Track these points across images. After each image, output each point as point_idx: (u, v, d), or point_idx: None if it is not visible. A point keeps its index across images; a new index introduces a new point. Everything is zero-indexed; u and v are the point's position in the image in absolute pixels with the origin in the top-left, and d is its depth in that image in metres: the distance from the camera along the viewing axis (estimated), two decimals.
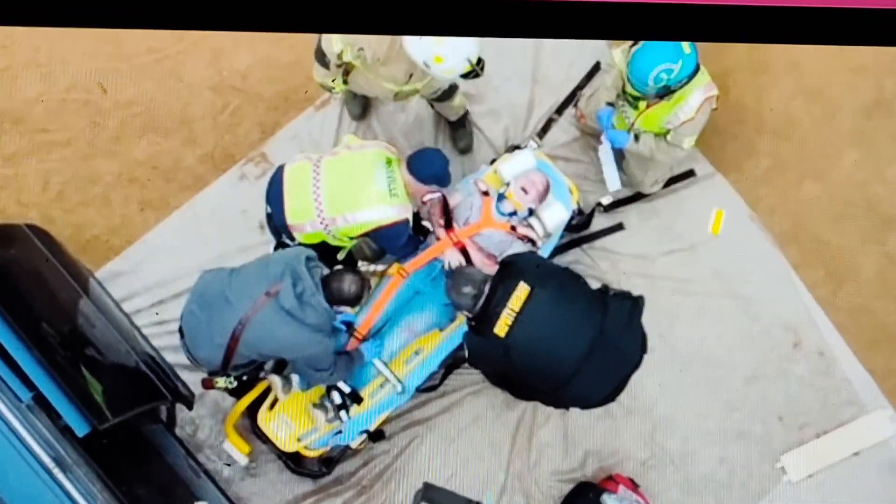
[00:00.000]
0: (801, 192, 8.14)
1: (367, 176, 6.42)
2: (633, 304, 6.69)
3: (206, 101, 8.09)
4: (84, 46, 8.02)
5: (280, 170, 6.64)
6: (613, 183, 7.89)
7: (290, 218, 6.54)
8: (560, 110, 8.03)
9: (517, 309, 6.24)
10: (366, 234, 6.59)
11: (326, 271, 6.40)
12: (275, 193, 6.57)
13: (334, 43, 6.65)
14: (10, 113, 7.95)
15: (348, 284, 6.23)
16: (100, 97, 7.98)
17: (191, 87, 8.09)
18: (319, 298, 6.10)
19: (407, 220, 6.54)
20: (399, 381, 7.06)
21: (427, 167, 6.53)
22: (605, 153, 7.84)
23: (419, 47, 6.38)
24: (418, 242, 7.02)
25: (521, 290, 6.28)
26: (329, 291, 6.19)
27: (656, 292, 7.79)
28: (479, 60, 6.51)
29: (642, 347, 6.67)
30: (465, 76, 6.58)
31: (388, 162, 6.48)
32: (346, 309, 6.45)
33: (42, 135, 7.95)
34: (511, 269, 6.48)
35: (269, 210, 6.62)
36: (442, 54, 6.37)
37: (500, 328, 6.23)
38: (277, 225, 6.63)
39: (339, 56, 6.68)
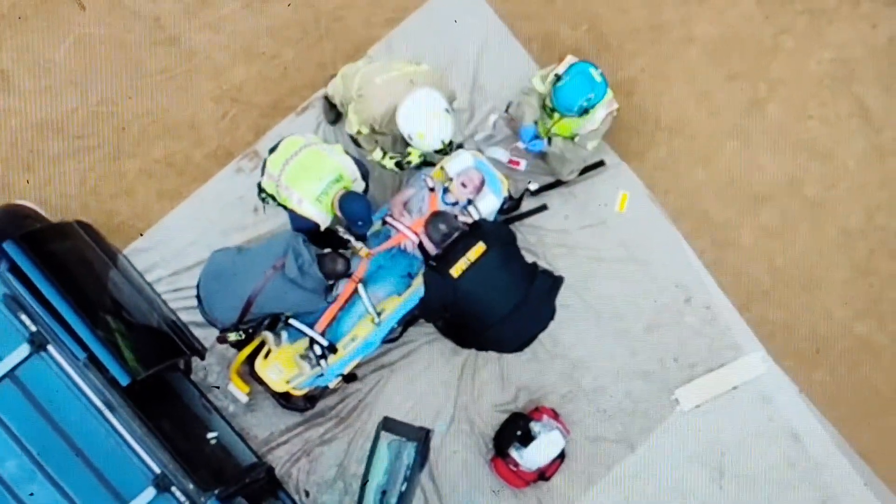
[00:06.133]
0: (691, 177, 9.15)
1: (317, 176, 7.29)
2: (554, 282, 7.70)
3: (209, 110, 8.93)
4: (111, 67, 8.87)
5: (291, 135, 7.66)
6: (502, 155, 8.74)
7: (269, 164, 7.58)
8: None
9: (472, 259, 7.29)
10: (290, 209, 7.53)
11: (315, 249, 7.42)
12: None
13: (353, 126, 7.73)
14: (53, 123, 8.75)
15: (339, 264, 7.41)
16: (124, 108, 8.83)
17: (197, 99, 8.93)
18: (315, 268, 7.21)
19: (317, 224, 7.44)
20: (378, 313, 7.84)
21: (345, 205, 7.35)
22: (494, 152, 8.78)
23: (408, 125, 7.42)
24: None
25: (479, 247, 7.34)
26: (325, 271, 7.29)
27: (574, 259, 8.91)
28: (451, 143, 7.59)
29: (551, 316, 7.72)
30: (436, 151, 7.64)
31: (338, 178, 7.36)
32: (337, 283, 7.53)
33: (78, 140, 8.77)
34: (477, 230, 7.53)
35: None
36: (424, 133, 7.44)
37: (456, 270, 7.27)
38: None
39: (360, 132, 7.79)
